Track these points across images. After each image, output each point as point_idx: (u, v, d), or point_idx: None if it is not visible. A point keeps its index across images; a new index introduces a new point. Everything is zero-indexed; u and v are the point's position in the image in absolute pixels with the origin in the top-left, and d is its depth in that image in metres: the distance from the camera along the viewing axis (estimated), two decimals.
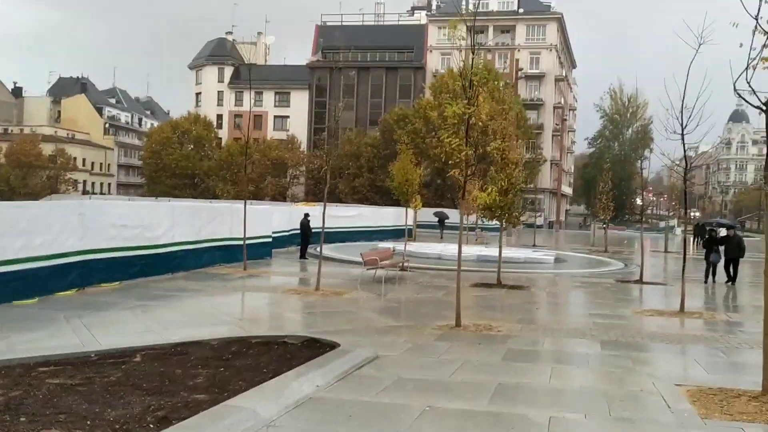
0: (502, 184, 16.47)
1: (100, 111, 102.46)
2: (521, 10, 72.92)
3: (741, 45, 6.10)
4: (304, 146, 76.90)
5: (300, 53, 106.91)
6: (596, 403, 6.03)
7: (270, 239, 23.09)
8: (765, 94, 6.15)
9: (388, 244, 29.66)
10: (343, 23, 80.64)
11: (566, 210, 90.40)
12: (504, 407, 5.73)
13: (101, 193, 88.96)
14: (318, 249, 26.85)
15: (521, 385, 6.69)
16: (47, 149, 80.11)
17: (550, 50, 72.09)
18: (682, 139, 12.89)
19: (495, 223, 52.23)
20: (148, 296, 12.96)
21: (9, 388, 6.03)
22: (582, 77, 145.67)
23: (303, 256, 24.06)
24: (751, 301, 15.60)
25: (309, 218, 24.67)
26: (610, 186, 32.83)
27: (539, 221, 67.48)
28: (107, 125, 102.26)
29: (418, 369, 7.52)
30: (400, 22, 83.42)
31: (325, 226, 33.10)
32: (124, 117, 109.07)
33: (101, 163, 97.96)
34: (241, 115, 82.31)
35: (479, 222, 39.24)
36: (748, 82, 5.99)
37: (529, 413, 5.54)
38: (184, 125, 75.04)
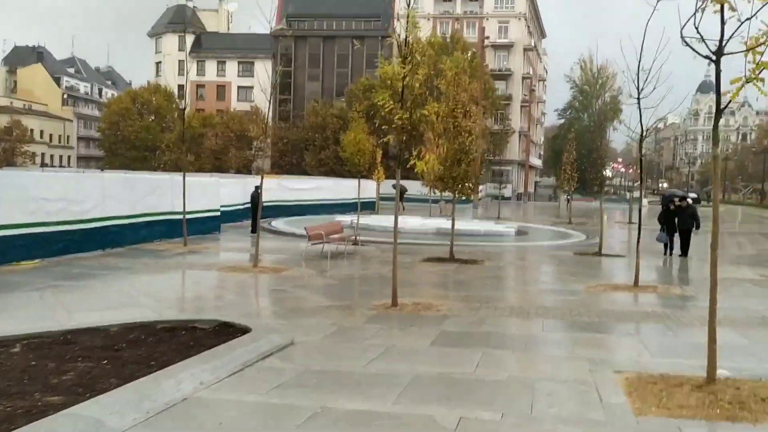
0: (451, 152, 15.66)
1: (58, 81, 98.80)
2: None
3: None
4: (268, 117, 75.11)
5: (264, 22, 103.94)
6: (519, 398, 5.28)
7: (218, 213, 22.04)
8: (715, 41, 5.34)
9: (347, 217, 28.85)
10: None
11: (536, 182, 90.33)
12: (410, 407, 4.94)
13: (60, 166, 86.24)
14: (271, 223, 26.11)
15: (441, 377, 5.92)
16: (2, 121, 77.04)
17: (519, 19, 71.02)
18: (638, 103, 12.16)
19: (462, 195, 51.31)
20: (68, 275, 11.93)
21: None
22: (555, 48, 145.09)
23: (254, 230, 23.05)
24: (707, 274, 15.14)
25: (260, 190, 23.61)
26: (575, 156, 32.23)
27: (507, 193, 67.20)
28: (66, 96, 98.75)
29: (332, 358, 6.72)
30: None
31: (282, 199, 32.20)
32: (83, 87, 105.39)
33: (60, 135, 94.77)
34: (204, 85, 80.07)
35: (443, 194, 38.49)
36: (696, 28, 5.17)
37: (437, 413, 4.76)
38: (143, 95, 72.62)
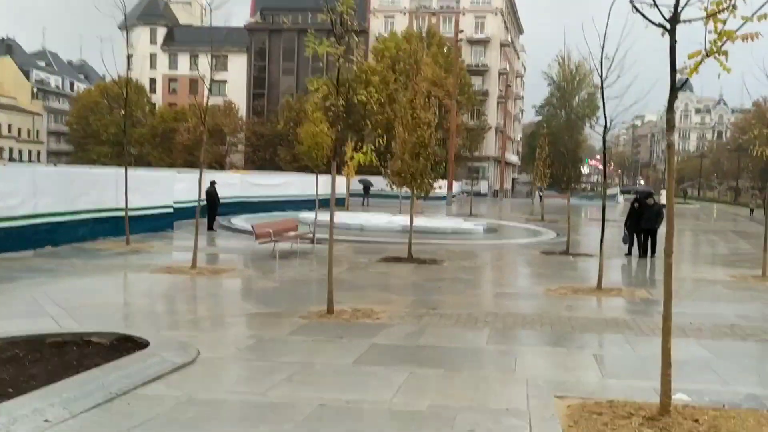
0: (409, 146, 14.77)
1: (27, 74, 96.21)
2: None
3: None
4: (242, 112, 73.74)
5: (238, 15, 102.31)
6: None
7: (171, 210, 20.90)
8: (669, 7, 4.45)
9: (308, 214, 27.82)
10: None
11: (513, 179, 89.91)
12: None
13: (29, 161, 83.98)
14: (231, 220, 25.00)
15: (349, 407, 4.98)
16: None
17: (496, 14, 70.38)
18: (602, 92, 11.34)
19: (440, 190, 50.47)
20: None
21: None
22: (534, 45, 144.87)
23: (210, 227, 21.97)
24: (673, 276, 14.40)
25: (216, 186, 22.56)
26: (547, 152, 31.49)
27: (483, 189, 66.53)
28: (35, 89, 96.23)
29: (230, 381, 5.76)
30: None
31: (246, 195, 31.03)
32: (54, 81, 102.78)
33: (29, 130, 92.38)
34: (176, 79, 78.33)
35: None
36: None
37: None
38: (113, 89, 70.69)
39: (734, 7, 4.33)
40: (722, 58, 4.51)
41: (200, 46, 76.32)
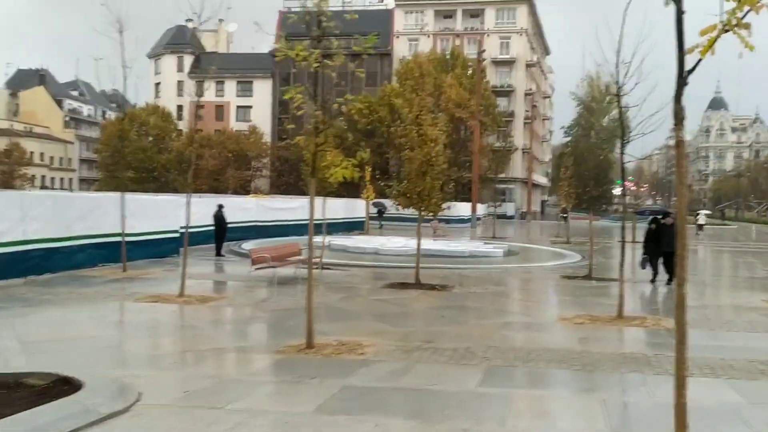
0: (415, 164, 13.90)
1: (60, 104, 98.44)
2: None
3: None
4: (267, 137, 73.83)
5: (264, 41, 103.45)
6: None
7: (177, 234, 20.25)
8: None
9: (329, 238, 27.06)
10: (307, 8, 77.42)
11: (543, 201, 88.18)
12: None
13: (61, 189, 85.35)
14: (242, 245, 24.30)
15: None
16: (1, 144, 76.28)
17: (521, 35, 69.55)
18: (618, 100, 10.35)
19: (458, 213, 49.32)
20: None
21: None
22: (562, 66, 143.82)
23: (219, 253, 21.29)
24: (703, 302, 13.12)
25: (224, 210, 21.92)
26: (572, 172, 30.29)
27: (510, 212, 65.13)
28: (68, 118, 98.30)
29: None
30: (367, 7, 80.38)
31: (261, 219, 30.43)
32: (86, 110, 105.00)
33: (61, 158, 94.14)
34: (203, 105, 78.94)
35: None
36: None
37: None
38: (141, 116, 71.62)
39: None
40: (743, 32, 3.53)
41: (226, 72, 77.14)
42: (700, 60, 3.65)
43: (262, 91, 76.95)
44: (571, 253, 24.56)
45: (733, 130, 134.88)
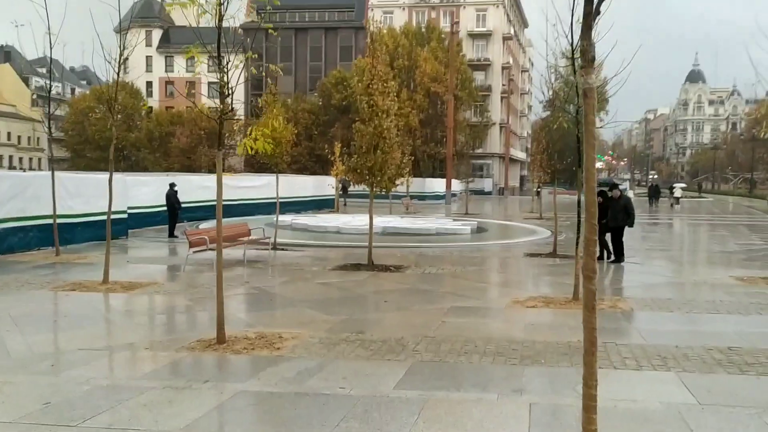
0: (366, 137, 12.99)
1: (27, 81, 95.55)
2: None
3: None
4: (241, 113, 72.12)
5: (235, 16, 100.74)
6: None
7: (124, 215, 19.22)
8: None
9: (285, 218, 26.24)
10: None
11: (522, 176, 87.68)
12: None
13: (30, 169, 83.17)
14: (199, 227, 23.26)
15: None
16: None
17: (498, 6, 68.26)
18: (572, 63, 9.47)
19: (432, 190, 48.55)
20: None
21: None
22: (541, 40, 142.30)
23: (171, 234, 20.28)
24: (669, 279, 12.44)
25: (176, 189, 20.87)
26: (544, 146, 29.53)
27: (487, 187, 64.47)
28: (35, 96, 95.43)
29: None
30: None
31: (226, 198, 29.37)
32: (55, 87, 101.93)
33: (29, 137, 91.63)
34: (172, 81, 76.90)
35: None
36: None
37: None
38: (107, 93, 69.45)
39: None
40: None
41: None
42: None
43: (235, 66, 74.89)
44: (541, 229, 23.86)
45: (711, 103, 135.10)
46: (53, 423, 4.66)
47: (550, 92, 15.92)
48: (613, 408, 4.92)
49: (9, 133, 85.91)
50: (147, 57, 76.45)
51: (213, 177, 30.35)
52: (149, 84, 76.12)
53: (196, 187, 26.49)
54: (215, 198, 25.05)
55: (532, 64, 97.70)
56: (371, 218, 14.20)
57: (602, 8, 2.93)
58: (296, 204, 33.95)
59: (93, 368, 6.10)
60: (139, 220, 21.27)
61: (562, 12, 9.38)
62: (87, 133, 68.81)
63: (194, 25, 7.33)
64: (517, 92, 78.06)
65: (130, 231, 19.88)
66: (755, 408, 4.90)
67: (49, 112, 18.14)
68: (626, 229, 14.46)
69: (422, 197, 47.38)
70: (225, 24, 6.98)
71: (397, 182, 13.96)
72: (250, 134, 7.19)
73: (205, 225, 23.46)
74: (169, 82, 76.47)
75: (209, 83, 76.82)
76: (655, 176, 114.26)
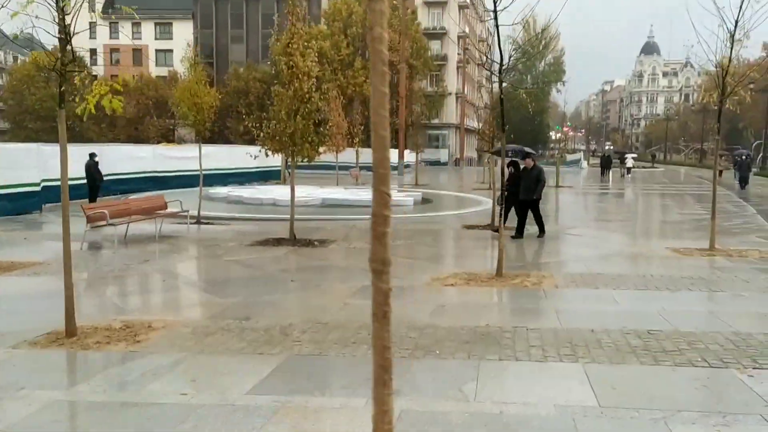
0: (286, 102, 11.94)
1: None
2: None
3: None
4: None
5: None
6: None
7: (37, 188, 17.81)
8: None
9: (220, 189, 25.10)
10: None
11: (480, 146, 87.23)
12: None
13: None
14: (126, 200, 21.92)
15: None
16: None
17: None
18: (495, 18, 8.59)
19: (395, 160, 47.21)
20: None
21: None
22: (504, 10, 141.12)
23: None
24: (604, 251, 11.83)
25: (96, 159, 19.45)
26: (493, 115, 28.82)
27: (443, 158, 63.80)
28: None
29: None
30: None
31: (159, 169, 27.87)
32: None
33: None
34: (118, 48, 73.68)
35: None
36: None
37: None
38: (46, 61, 66.09)
39: None
40: None
41: (143, 13, 71.83)
42: None
43: (183, 33, 72.04)
44: (487, 200, 23.18)
45: (665, 74, 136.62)
46: None
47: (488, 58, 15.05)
48: (497, 415, 4.13)
49: None
50: (90, 23, 72.78)
51: (145, 147, 28.77)
52: (92, 51, 72.64)
53: (126, 157, 25.04)
54: (150, 169, 23.67)
55: (491, 34, 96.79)
56: (293, 189, 13.21)
57: None
58: (240, 175, 32.70)
59: None
60: (59, 194, 19.81)
61: None
62: (27, 103, 65.41)
63: None
64: (474, 62, 77.10)
65: (48, 205, 18.45)
66: (662, 411, 4.16)
67: None
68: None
69: (361, 168, 46.33)
70: None
71: (321, 150, 12.95)
72: (92, 92, 6.05)
73: (134, 198, 22.14)
74: (114, 50, 73.31)
75: (156, 51, 73.47)
76: (611, 147, 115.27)
